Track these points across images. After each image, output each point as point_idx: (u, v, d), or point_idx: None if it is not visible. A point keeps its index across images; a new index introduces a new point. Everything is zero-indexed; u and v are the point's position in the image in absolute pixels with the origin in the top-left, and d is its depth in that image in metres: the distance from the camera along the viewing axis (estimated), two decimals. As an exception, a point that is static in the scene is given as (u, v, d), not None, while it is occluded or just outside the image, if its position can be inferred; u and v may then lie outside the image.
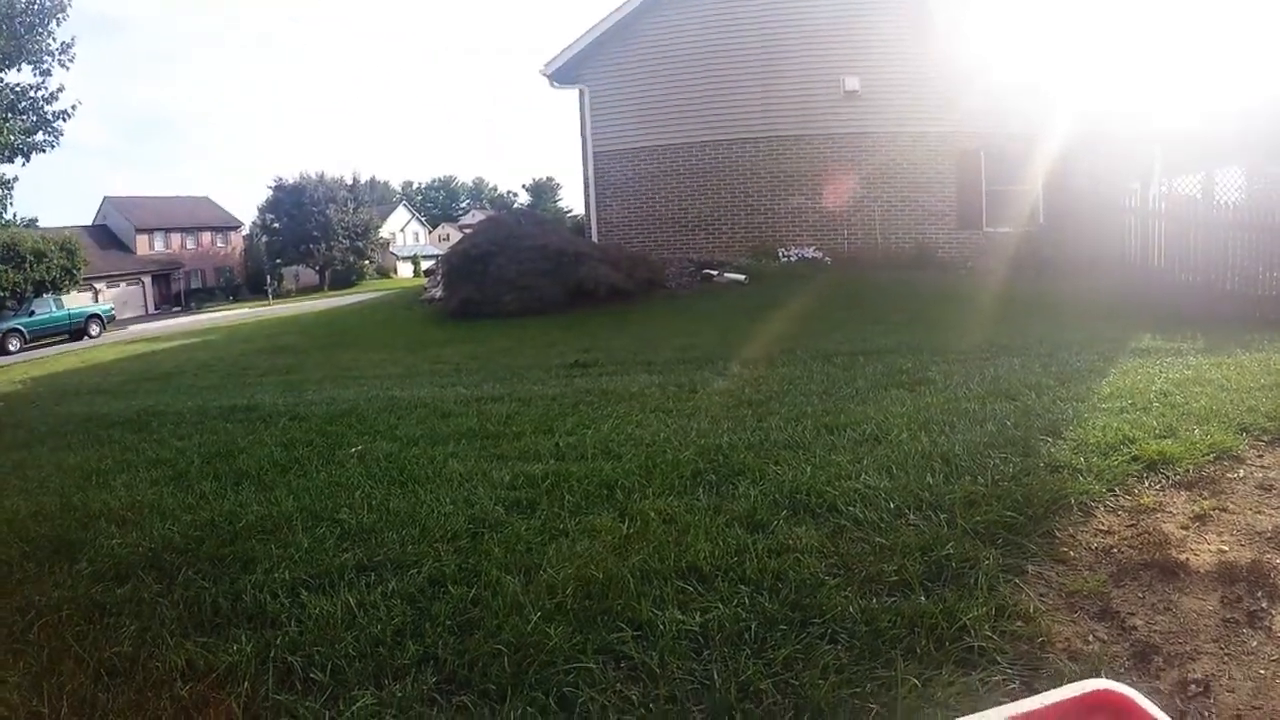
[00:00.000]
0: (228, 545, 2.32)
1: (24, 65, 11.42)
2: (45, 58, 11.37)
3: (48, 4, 11.14)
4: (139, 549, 2.32)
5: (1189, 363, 4.26)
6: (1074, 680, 0.65)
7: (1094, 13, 13.31)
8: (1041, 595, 1.80)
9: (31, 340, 25.42)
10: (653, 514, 2.31)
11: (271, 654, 1.72)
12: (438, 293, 15.06)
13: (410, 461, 3.11)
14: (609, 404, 4.07)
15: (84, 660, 1.75)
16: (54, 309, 27.44)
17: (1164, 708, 0.85)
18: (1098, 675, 1.26)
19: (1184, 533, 2.01)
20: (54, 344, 25.09)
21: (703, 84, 15.14)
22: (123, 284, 42.27)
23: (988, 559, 1.90)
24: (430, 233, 64.78)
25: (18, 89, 11.39)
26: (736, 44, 14.86)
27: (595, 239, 15.12)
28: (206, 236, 49.34)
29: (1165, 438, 2.61)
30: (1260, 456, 2.47)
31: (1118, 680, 0.62)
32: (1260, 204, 9.32)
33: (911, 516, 2.16)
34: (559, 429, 3.53)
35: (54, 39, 11.36)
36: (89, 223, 45.25)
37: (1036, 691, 0.75)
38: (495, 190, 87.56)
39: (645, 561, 2.00)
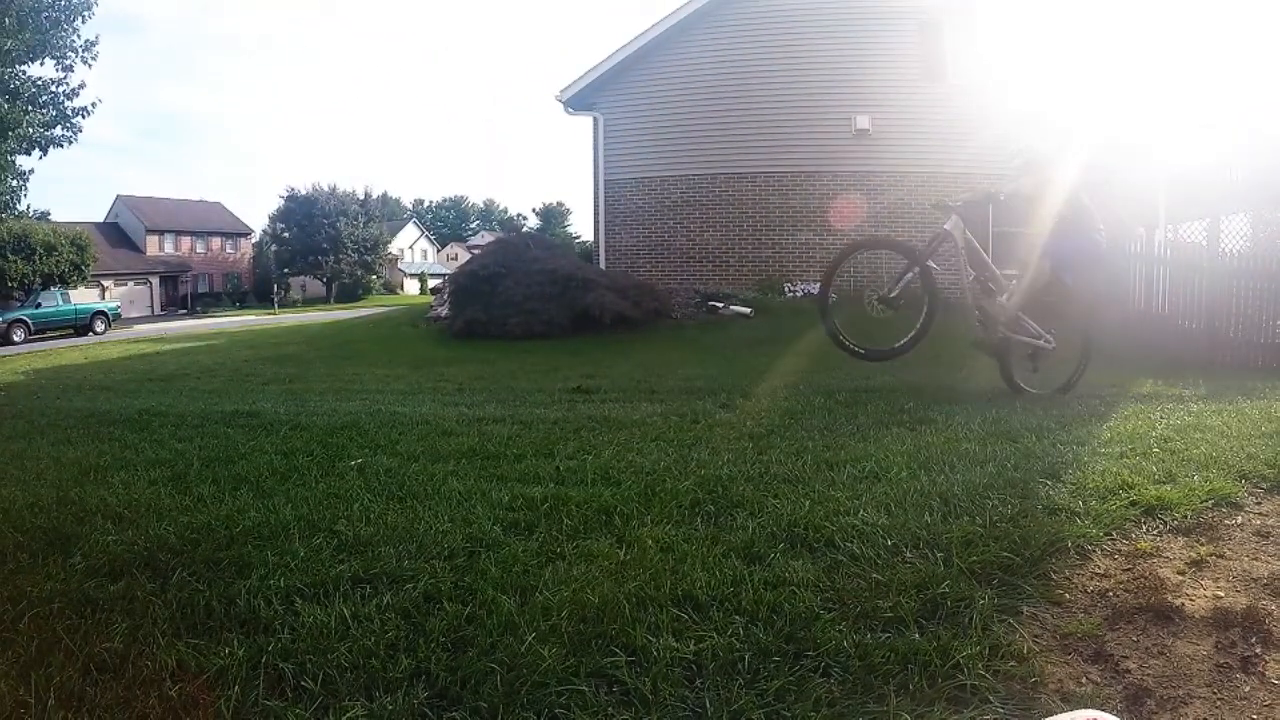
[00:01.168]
0: (224, 549, 2.32)
1: (47, 60, 11.61)
2: (69, 54, 11.56)
3: (75, 1, 11.35)
4: (134, 547, 2.32)
5: (1190, 409, 4.27)
6: (1067, 716, 0.66)
7: (1103, 58, 13.50)
8: (1036, 636, 1.80)
9: (36, 332, 25.55)
10: (650, 541, 2.31)
11: (263, 660, 1.71)
12: (444, 311, 15.14)
13: (410, 477, 3.11)
14: (610, 431, 4.08)
15: (74, 654, 1.75)
16: (60, 303, 27.58)
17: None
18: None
19: (1180, 578, 2.01)
20: (58, 338, 25.18)
21: (716, 117, 15.34)
22: (130, 283, 42.49)
23: (983, 598, 1.90)
24: (439, 251, 65.17)
25: (39, 83, 11.56)
26: (750, 80, 15.08)
27: (603, 266, 15.22)
28: (216, 242, 49.68)
29: (1164, 483, 2.62)
30: (1259, 504, 2.48)
31: (1110, 717, 0.63)
32: (1265, 251, 9.39)
33: (908, 554, 2.16)
34: (560, 453, 3.54)
35: (78, 35, 11.56)
36: (100, 219, 45.52)
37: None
38: (505, 212, 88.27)
39: (641, 588, 2.00)
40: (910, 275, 5.14)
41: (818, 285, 15.27)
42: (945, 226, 5.27)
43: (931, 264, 5.22)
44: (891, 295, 5.09)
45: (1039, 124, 13.66)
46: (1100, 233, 5.41)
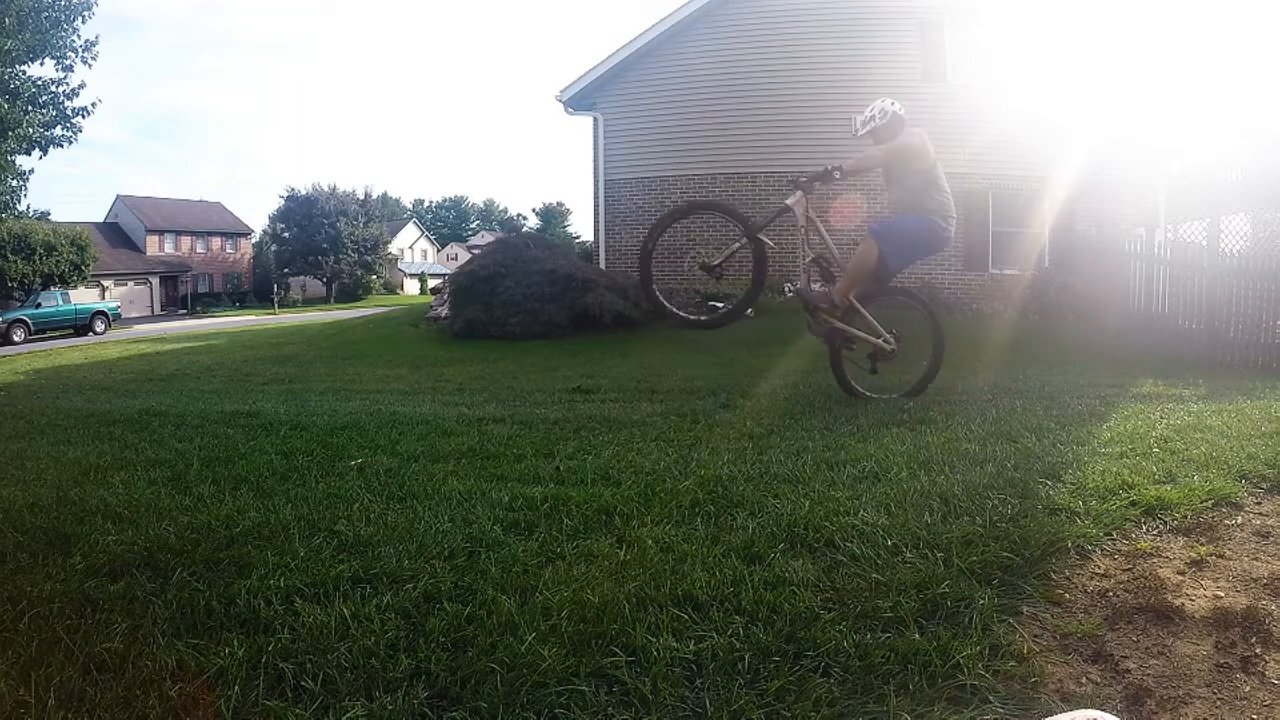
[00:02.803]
0: (223, 549, 2.32)
1: (47, 60, 11.59)
2: (69, 54, 11.55)
3: (75, 1, 11.34)
4: (134, 547, 2.32)
5: (1190, 409, 4.26)
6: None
7: (1103, 58, 13.50)
8: (1036, 636, 1.80)
9: (36, 332, 25.58)
10: (650, 541, 2.31)
11: (263, 660, 1.71)
12: (444, 311, 15.14)
13: (410, 477, 3.11)
14: (610, 430, 4.08)
15: (73, 654, 1.75)
16: (60, 303, 27.60)
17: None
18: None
19: (1180, 578, 2.01)
20: (58, 338, 25.18)
21: (716, 117, 15.33)
22: (130, 283, 42.51)
23: (983, 599, 1.90)
24: (439, 251, 65.15)
25: (39, 83, 11.55)
26: (749, 80, 15.07)
27: (603, 266, 15.21)
28: (217, 241, 49.69)
29: (1164, 483, 2.62)
30: (1259, 504, 2.48)
31: (1110, 717, 0.63)
32: (1265, 252, 9.39)
33: (908, 554, 2.16)
34: (560, 453, 3.54)
35: (78, 35, 11.55)
36: (100, 219, 45.51)
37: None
38: (505, 212, 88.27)
39: (641, 588, 2.00)
40: (738, 245, 4.93)
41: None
42: (787, 201, 4.95)
43: (764, 237, 4.98)
44: (715, 263, 5.01)
45: (1039, 124, 13.69)
46: (941, 218, 4.82)
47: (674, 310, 5.23)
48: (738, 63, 14.97)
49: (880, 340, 4.97)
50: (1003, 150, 13.90)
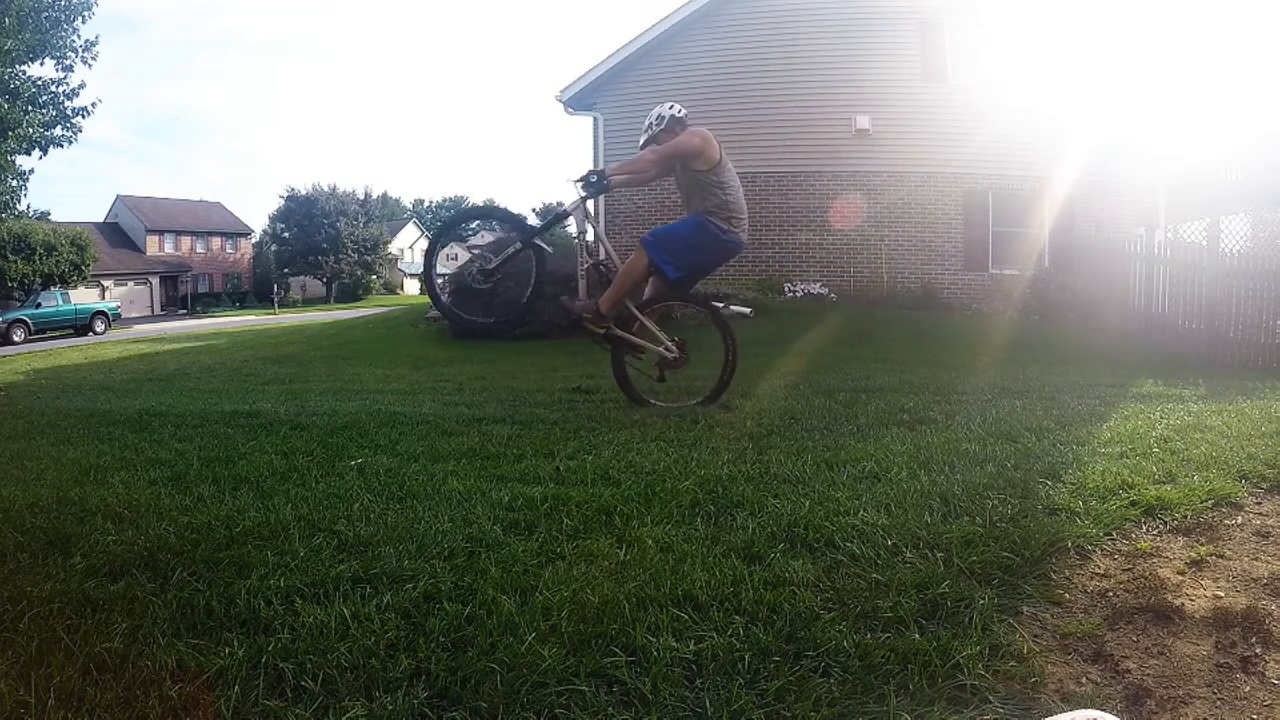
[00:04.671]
0: (223, 549, 2.32)
1: (47, 60, 11.60)
2: (69, 54, 11.55)
3: (75, 1, 11.35)
4: (134, 547, 2.31)
5: (1190, 409, 4.26)
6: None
7: (1103, 58, 13.50)
8: (1036, 636, 1.80)
9: (36, 332, 25.60)
10: (650, 541, 2.31)
11: (263, 660, 1.71)
12: (443, 310, 15.10)
13: (410, 477, 3.11)
14: (610, 430, 4.08)
15: (73, 654, 1.75)
16: (60, 303, 27.61)
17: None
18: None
19: (1180, 578, 2.01)
20: (58, 338, 25.18)
21: (714, 117, 15.27)
22: (130, 283, 42.53)
23: (983, 599, 1.90)
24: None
25: (39, 83, 11.55)
26: (750, 80, 15.08)
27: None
28: (217, 241, 49.70)
29: (1164, 483, 2.62)
30: (1259, 504, 2.48)
31: (1110, 717, 0.63)
32: (1265, 252, 9.40)
33: (908, 554, 2.16)
34: (560, 453, 3.54)
35: (78, 35, 11.55)
36: (100, 219, 45.52)
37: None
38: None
39: (641, 588, 2.00)
40: (512, 250, 4.86)
41: (818, 285, 15.35)
42: (565, 207, 4.89)
43: (540, 242, 4.91)
44: (489, 268, 4.97)
45: (1039, 124, 13.69)
46: (719, 219, 4.66)
47: (457, 313, 5.45)
48: (737, 63, 14.97)
49: (661, 349, 4.93)
50: (1003, 150, 13.91)
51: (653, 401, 4.98)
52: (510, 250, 4.92)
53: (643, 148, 4.80)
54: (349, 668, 1.69)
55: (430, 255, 5.14)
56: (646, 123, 4.83)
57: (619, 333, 4.88)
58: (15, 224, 28.33)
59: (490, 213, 5.98)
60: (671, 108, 4.84)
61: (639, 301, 4.93)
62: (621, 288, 4.77)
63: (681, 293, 5.09)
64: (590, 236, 4.98)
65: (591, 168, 4.61)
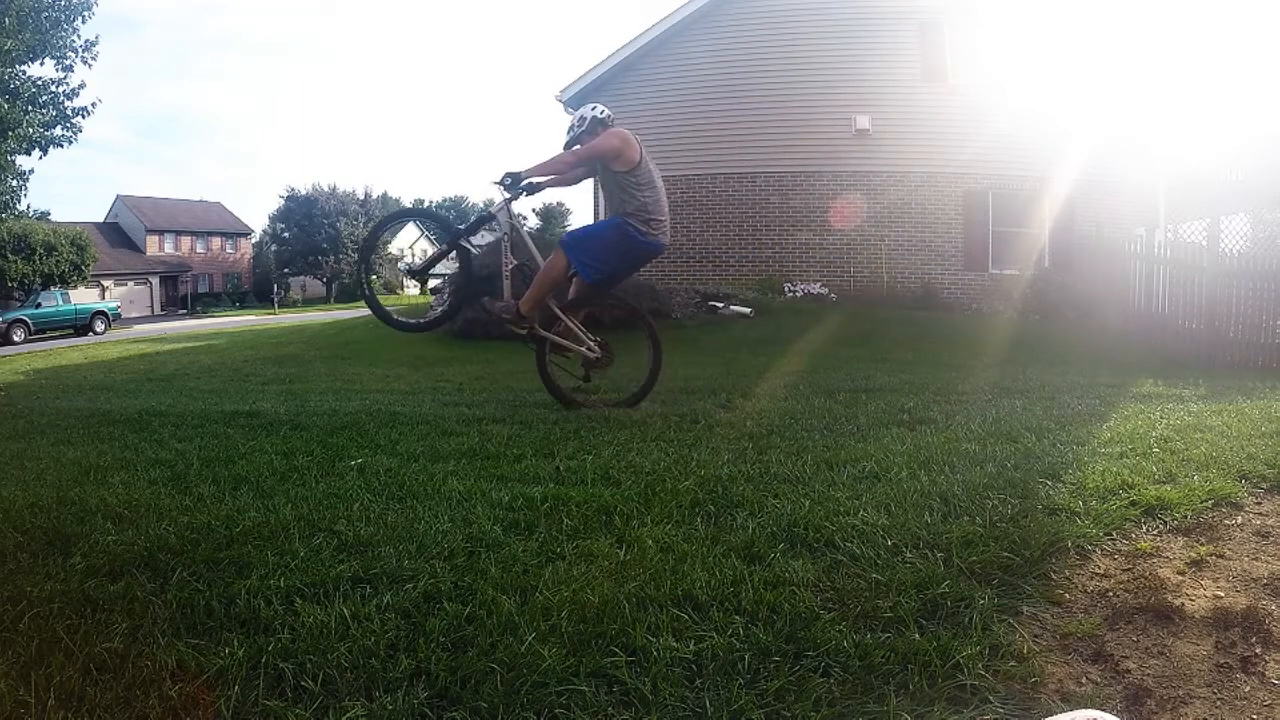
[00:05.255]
0: (223, 549, 2.31)
1: (47, 60, 11.60)
2: (69, 54, 11.54)
3: (75, 1, 11.34)
4: (134, 547, 2.31)
5: (1190, 409, 4.27)
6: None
7: (1104, 58, 13.50)
8: (1036, 636, 1.80)
9: (36, 332, 25.60)
10: (650, 541, 2.31)
11: (263, 660, 1.71)
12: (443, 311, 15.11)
13: (410, 477, 3.10)
14: (610, 430, 4.08)
15: (73, 654, 1.75)
16: (60, 303, 27.61)
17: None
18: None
19: (1180, 578, 2.01)
20: (58, 338, 25.18)
21: (714, 117, 15.34)
22: (130, 283, 42.53)
23: (983, 599, 1.90)
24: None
25: (39, 83, 11.54)
26: (750, 80, 15.08)
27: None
28: (217, 241, 49.70)
29: (1164, 483, 2.62)
30: (1259, 504, 2.48)
31: (1110, 717, 0.63)
32: (1265, 252, 9.41)
33: (908, 554, 2.16)
34: (560, 453, 3.53)
35: (78, 35, 11.55)
36: (100, 219, 45.52)
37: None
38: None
39: (641, 588, 2.00)
40: (438, 252, 4.98)
41: (818, 285, 15.34)
42: (491, 209, 4.94)
43: (469, 243, 4.97)
44: (417, 269, 5.07)
45: (1039, 124, 13.69)
46: (637, 221, 4.68)
47: (391, 315, 5.48)
48: (737, 63, 14.97)
49: (584, 349, 4.96)
50: (1003, 150, 13.91)
51: (579, 401, 5.02)
52: (435, 252, 5.00)
53: (566, 148, 4.86)
54: (349, 668, 1.69)
55: (362, 259, 5.22)
56: (570, 123, 4.91)
57: (543, 333, 4.93)
58: (15, 224, 28.32)
59: (418, 214, 6.09)
60: (594, 109, 4.90)
61: (564, 302, 4.98)
62: (541, 288, 4.80)
63: (605, 293, 5.14)
64: (513, 238, 5.00)
65: (507, 170, 4.68)
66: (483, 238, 5.07)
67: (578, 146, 4.79)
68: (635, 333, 5.14)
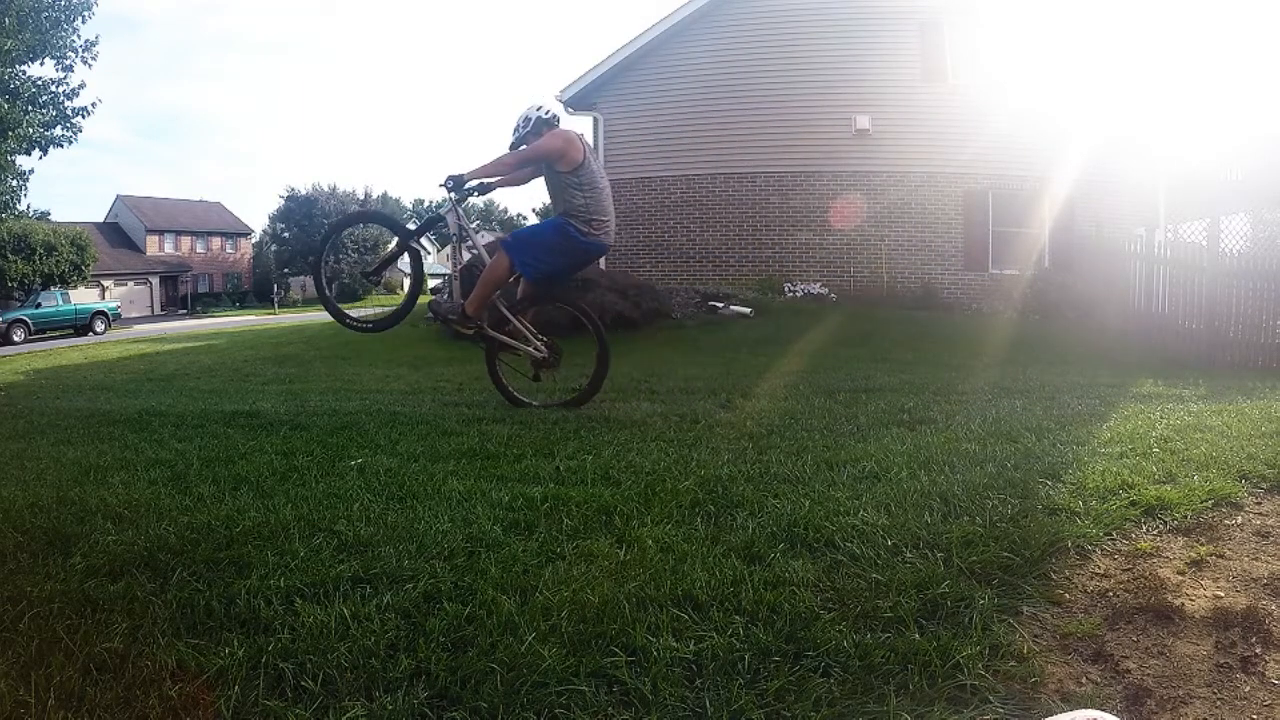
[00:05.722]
0: (223, 549, 2.31)
1: (47, 60, 11.60)
2: (69, 54, 11.55)
3: (75, 1, 11.35)
4: (134, 547, 2.31)
5: (1190, 409, 4.26)
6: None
7: (1104, 58, 13.49)
8: (1036, 636, 1.80)
9: (36, 332, 25.61)
10: (650, 541, 2.31)
11: (263, 660, 1.71)
12: (443, 310, 15.10)
13: (410, 477, 3.10)
14: (610, 430, 4.08)
15: (73, 654, 1.75)
16: (60, 303, 27.61)
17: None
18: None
19: (1180, 578, 2.01)
20: (58, 338, 25.17)
21: (715, 118, 15.33)
22: (130, 283, 42.53)
23: (983, 599, 1.90)
24: (439, 252, 65.05)
25: (39, 83, 11.55)
26: (750, 80, 15.08)
27: (603, 265, 15.19)
28: (217, 241, 49.69)
29: (1164, 483, 2.62)
30: (1259, 504, 2.48)
31: (1110, 717, 0.63)
32: (1265, 252, 9.41)
33: (908, 554, 2.16)
34: (560, 453, 3.53)
35: (78, 35, 11.55)
36: (100, 219, 45.51)
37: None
38: (505, 212, 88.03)
39: (641, 588, 2.00)
40: (388, 254, 5.00)
41: (818, 285, 15.34)
42: (441, 211, 4.98)
43: (421, 244, 5.05)
44: (370, 271, 5.12)
45: (1039, 124, 13.69)
46: (579, 221, 4.67)
47: (346, 315, 5.54)
48: (737, 63, 14.97)
49: (531, 349, 5.01)
50: (1003, 150, 13.91)
51: (528, 401, 5.08)
52: (387, 253, 5.02)
53: (511, 149, 4.87)
54: (349, 668, 1.69)
55: (318, 264, 5.25)
56: (515, 124, 4.90)
57: (491, 332, 4.98)
58: (15, 224, 28.30)
59: (371, 216, 6.17)
60: (539, 110, 4.90)
61: (512, 302, 5.03)
62: (485, 289, 4.84)
63: (553, 293, 5.20)
64: (464, 238, 5.06)
65: (449, 173, 4.71)
66: (483, 237, 5.09)
67: (523, 147, 4.80)
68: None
